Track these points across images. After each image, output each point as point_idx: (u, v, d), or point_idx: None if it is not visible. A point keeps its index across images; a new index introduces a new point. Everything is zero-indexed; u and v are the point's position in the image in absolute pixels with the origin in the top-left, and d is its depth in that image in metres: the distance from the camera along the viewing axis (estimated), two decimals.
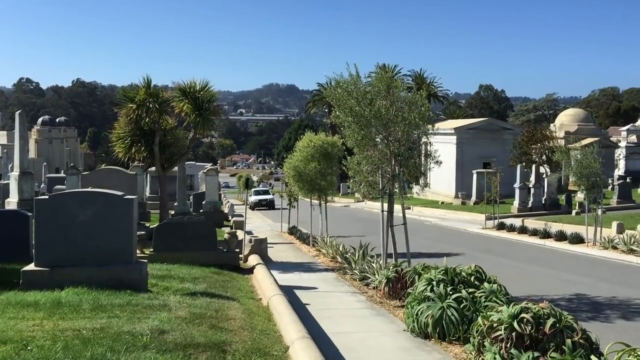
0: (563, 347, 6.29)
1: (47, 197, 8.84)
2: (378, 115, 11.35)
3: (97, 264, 8.35)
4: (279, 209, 32.49)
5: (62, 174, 33.34)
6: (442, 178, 46.44)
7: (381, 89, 11.40)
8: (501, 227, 25.69)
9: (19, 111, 21.59)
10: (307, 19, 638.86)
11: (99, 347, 5.27)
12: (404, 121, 11.49)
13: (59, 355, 5.00)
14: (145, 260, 9.22)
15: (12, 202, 20.07)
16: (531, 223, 26.19)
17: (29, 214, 11.50)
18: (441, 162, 12.52)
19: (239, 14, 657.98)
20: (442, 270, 9.12)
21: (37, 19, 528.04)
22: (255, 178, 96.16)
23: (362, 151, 12.03)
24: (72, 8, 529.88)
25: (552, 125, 54.16)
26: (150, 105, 17.80)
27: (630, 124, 58.40)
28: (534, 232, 22.89)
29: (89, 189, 9.91)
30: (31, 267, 8.38)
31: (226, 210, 34.25)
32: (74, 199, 8.45)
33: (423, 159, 12.98)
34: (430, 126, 12.16)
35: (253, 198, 52.41)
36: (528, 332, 6.49)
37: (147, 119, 17.96)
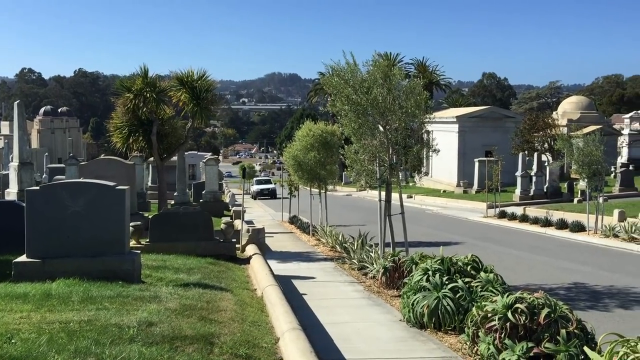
0: (557, 337, 6.21)
1: (37, 187, 8.77)
2: (375, 103, 11.22)
3: (90, 255, 8.29)
4: (281, 198, 32.43)
5: (62, 164, 33.30)
6: (444, 166, 46.34)
7: (377, 77, 11.25)
8: (502, 215, 25.59)
9: (17, 102, 21.48)
10: (309, 8, 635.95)
11: (84, 340, 5.20)
12: (401, 109, 11.35)
13: (42, 349, 4.93)
14: (139, 251, 9.14)
15: (12, 192, 20.02)
16: (533, 211, 26.07)
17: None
18: (439, 151, 12.37)
19: (241, 3, 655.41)
20: (438, 259, 9.04)
21: (39, 9, 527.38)
22: (257, 167, 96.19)
23: (359, 140, 11.91)
24: None
25: (554, 113, 53.85)
26: (148, 94, 17.73)
27: (634, 112, 58.03)
28: (535, 221, 22.79)
29: (80, 180, 9.84)
30: (23, 258, 8.32)
31: (227, 200, 34.23)
32: (66, 189, 8.37)
33: (421, 147, 12.84)
34: (428, 115, 12.02)
35: (255, 187, 52.35)
36: (522, 322, 6.41)
37: (145, 109, 17.89)
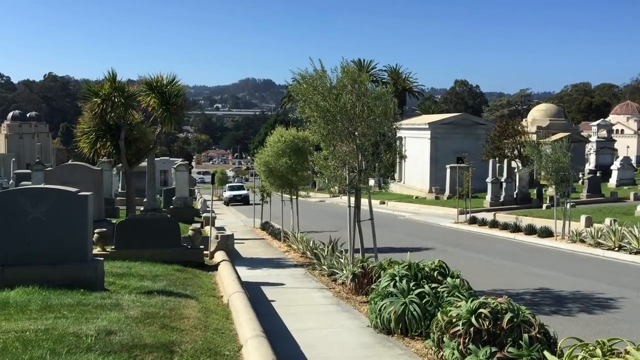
0: (520, 341, 6.25)
1: None
2: (343, 110, 11.22)
3: (51, 262, 8.10)
4: (253, 204, 32.24)
5: (29, 170, 32.69)
6: (416, 173, 46.65)
7: (346, 83, 11.26)
8: (473, 221, 25.81)
9: None
10: (285, 15, 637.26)
11: (39, 350, 5.05)
12: (370, 116, 11.37)
13: None
14: (102, 258, 8.95)
15: None
16: (502, 217, 26.37)
17: None
18: (406, 157, 12.43)
19: (216, 9, 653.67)
20: (406, 265, 9.06)
21: (7, 13, 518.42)
22: (231, 173, 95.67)
23: (329, 146, 11.91)
24: (43, 1, 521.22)
25: (524, 120, 54.66)
26: (116, 99, 17.47)
27: (601, 119, 59.22)
28: (505, 226, 23.03)
29: (41, 186, 9.61)
30: None
31: (199, 206, 33.89)
32: (25, 195, 8.17)
33: (391, 153, 12.88)
34: (396, 122, 12.06)
35: (227, 194, 52.00)
36: (486, 327, 6.45)
37: (113, 114, 17.62)
